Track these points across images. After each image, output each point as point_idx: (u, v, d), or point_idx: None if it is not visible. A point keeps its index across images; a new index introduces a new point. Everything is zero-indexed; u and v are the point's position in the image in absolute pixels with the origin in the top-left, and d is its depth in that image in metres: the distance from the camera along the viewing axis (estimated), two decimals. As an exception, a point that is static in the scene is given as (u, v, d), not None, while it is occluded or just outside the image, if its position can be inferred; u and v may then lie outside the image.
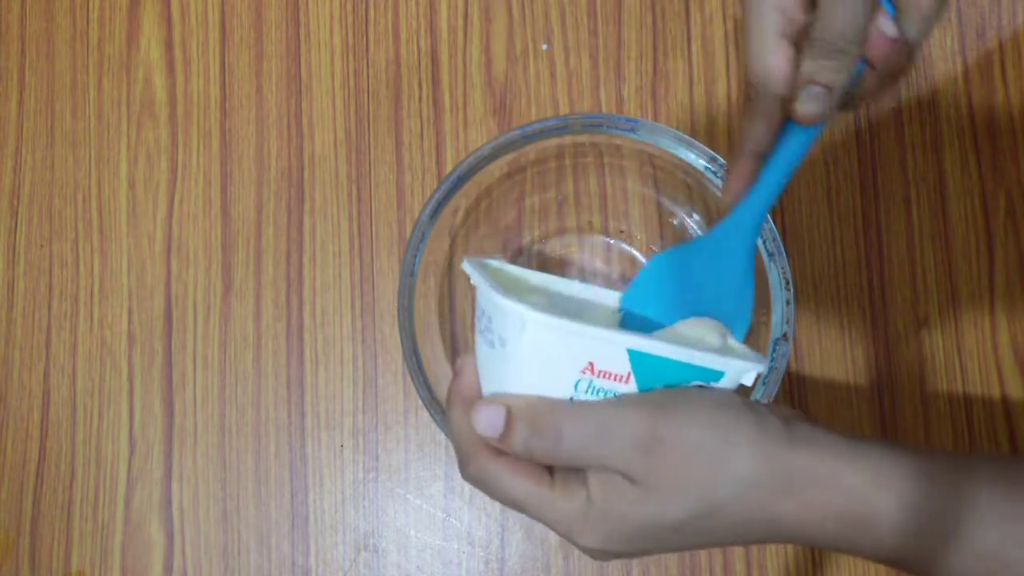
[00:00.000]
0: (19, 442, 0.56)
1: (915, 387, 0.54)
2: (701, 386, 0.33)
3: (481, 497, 0.53)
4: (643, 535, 0.32)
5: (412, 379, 0.46)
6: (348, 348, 0.55)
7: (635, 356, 0.31)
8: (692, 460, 0.31)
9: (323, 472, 0.54)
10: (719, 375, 0.33)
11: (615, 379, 0.32)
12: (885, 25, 0.33)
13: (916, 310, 0.54)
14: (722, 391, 0.33)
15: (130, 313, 0.56)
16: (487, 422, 0.32)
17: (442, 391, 0.47)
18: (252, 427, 0.55)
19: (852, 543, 0.32)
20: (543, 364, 0.32)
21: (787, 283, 0.44)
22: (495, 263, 0.38)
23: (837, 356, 0.54)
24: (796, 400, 0.54)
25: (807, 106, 0.33)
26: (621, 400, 0.32)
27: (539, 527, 0.53)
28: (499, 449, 0.33)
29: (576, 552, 0.53)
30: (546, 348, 0.31)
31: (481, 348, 0.34)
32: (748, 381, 0.33)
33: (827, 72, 0.33)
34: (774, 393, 0.43)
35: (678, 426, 0.31)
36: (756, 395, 0.44)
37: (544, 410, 0.32)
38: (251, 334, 0.56)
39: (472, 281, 0.35)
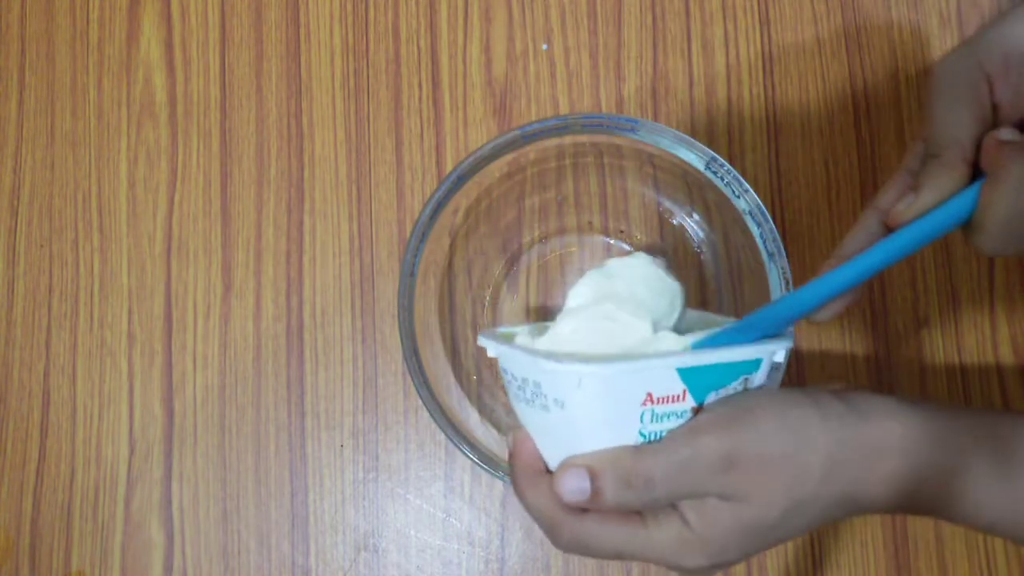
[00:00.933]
0: (19, 442, 0.55)
1: (915, 387, 0.54)
2: (754, 389, 0.34)
3: (481, 497, 0.53)
4: (746, 541, 0.33)
5: (412, 379, 0.46)
6: (348, 348, 0.55)
7: (685, 373, 0.32)
8: (773, 464, 0.32)
9: (323, 472, 0.54)
10: (759, 362, 0.34)
11: (673, 400, 0.32)
12: (1007, 136, 0.32)
13: (916, 310, 0.54)
14: (776, 390, 0.34)
15: (130, 313, 0.56)
16: (573, 489, 0.32)
17: (442, 391, 0.47)
18: (252, 427, 0.55)
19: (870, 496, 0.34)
20: (607, 411, 0.32)
21: (787, 283, 0.44)
22: (504, 331, 0.38)
23: (837, 356, 0.54)
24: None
25: (897, 205, 0.34)
26: (692, 429, 0.32)
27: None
28: (582, 508, 0.33)
29: (576, 552, 0.52)
30: (606, 396, 0.32)
31: (534, 416, 0.34)
32: (780, 359, 0.35)
33: (921, 173, 0.33)
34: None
35: (751, 438, 0.32)
36: None
37: (628, 461, 0.32)
38: (251, 334, 0.56)
39: (496, 356, 0.35)
